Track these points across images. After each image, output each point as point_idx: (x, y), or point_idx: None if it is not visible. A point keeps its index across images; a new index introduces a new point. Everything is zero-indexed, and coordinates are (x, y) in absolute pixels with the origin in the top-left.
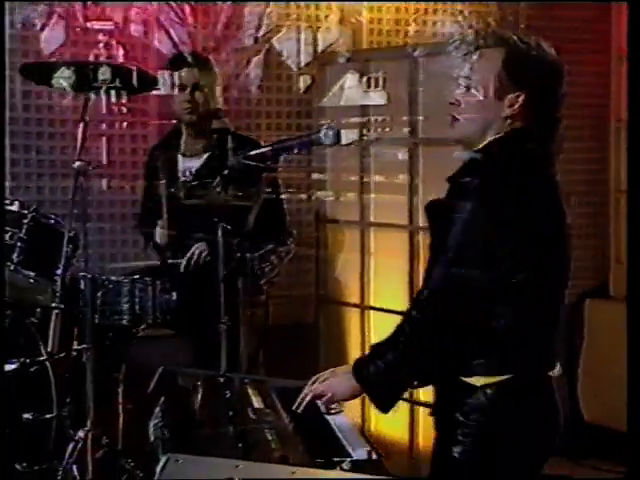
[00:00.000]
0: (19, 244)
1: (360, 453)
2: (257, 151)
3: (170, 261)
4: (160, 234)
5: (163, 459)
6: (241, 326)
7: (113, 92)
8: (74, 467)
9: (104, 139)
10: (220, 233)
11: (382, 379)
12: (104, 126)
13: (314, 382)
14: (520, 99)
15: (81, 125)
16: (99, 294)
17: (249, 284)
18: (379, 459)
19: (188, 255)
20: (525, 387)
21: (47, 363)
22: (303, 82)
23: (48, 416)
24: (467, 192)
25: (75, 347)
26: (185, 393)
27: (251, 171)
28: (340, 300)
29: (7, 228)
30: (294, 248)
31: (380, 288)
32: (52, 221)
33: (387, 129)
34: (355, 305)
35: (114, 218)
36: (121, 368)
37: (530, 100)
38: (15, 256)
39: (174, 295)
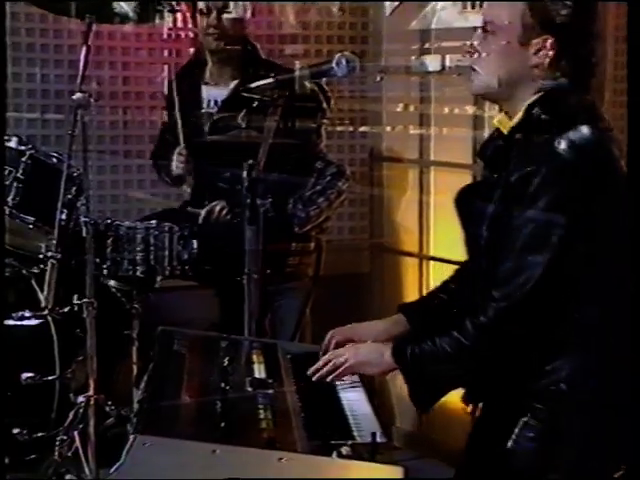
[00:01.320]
0: (16, 185)
1: (364, 436)
2: (258, 83)
3: (189, 209)
4: (177, 161)
5: (129, 441)
6: (251, 283)
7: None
8: (76, 436)
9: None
10: (245, 172)
11: (430, 369)
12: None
13: (330, 341)
14: (548, 43)
15: (84, 50)
16: (109, 241)
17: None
18: (387, 443)
19: (207, 209)
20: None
21: (49, 319)
22: (389, 5)
23: (50, 378)
24: (535, 183)
25: (75, 301)
26: (179, 359)
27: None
28: (396, 248)
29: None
30: (347, 189)
31: (440, 235)
32: (54, 160)
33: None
34: (413, 254)
35: (126, 156)
36: (134, 324)
37: (559, 44)
38: (11, 198)
39: (194, 243)
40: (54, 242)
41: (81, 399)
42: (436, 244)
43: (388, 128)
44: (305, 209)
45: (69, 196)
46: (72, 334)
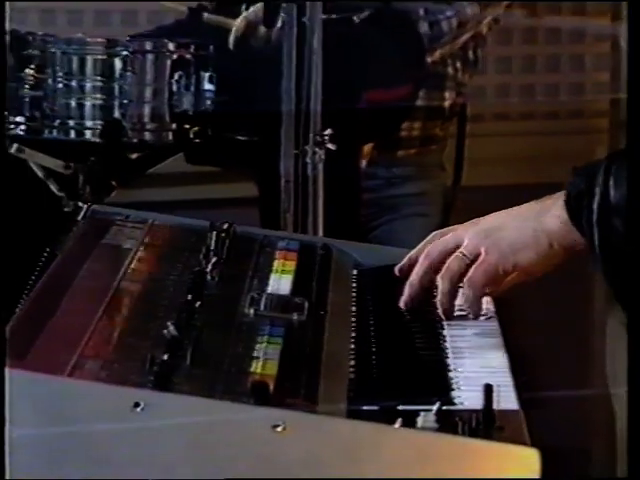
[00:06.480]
0: None
1: (471, 398)
2: None
3: (205, 16)
4: None
5: None
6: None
7: None
8: None
9: None
10: None
11: None
12: None
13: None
14: None
15: None
16: (28, 71)
17: None
18: (516, 412)
19: (244, 17)
20: None
21: None
22: None
23: None
24: None
25: None
26: (114, 256)
27: None
28: None
29: None
30: None
31: None
32: None
33: None
34: None
35: None
36: None
37: None
38: None
39: (208, 80)
40: None
41: None
42: None
43: None
44: (431, 16)
45: None
46: None
